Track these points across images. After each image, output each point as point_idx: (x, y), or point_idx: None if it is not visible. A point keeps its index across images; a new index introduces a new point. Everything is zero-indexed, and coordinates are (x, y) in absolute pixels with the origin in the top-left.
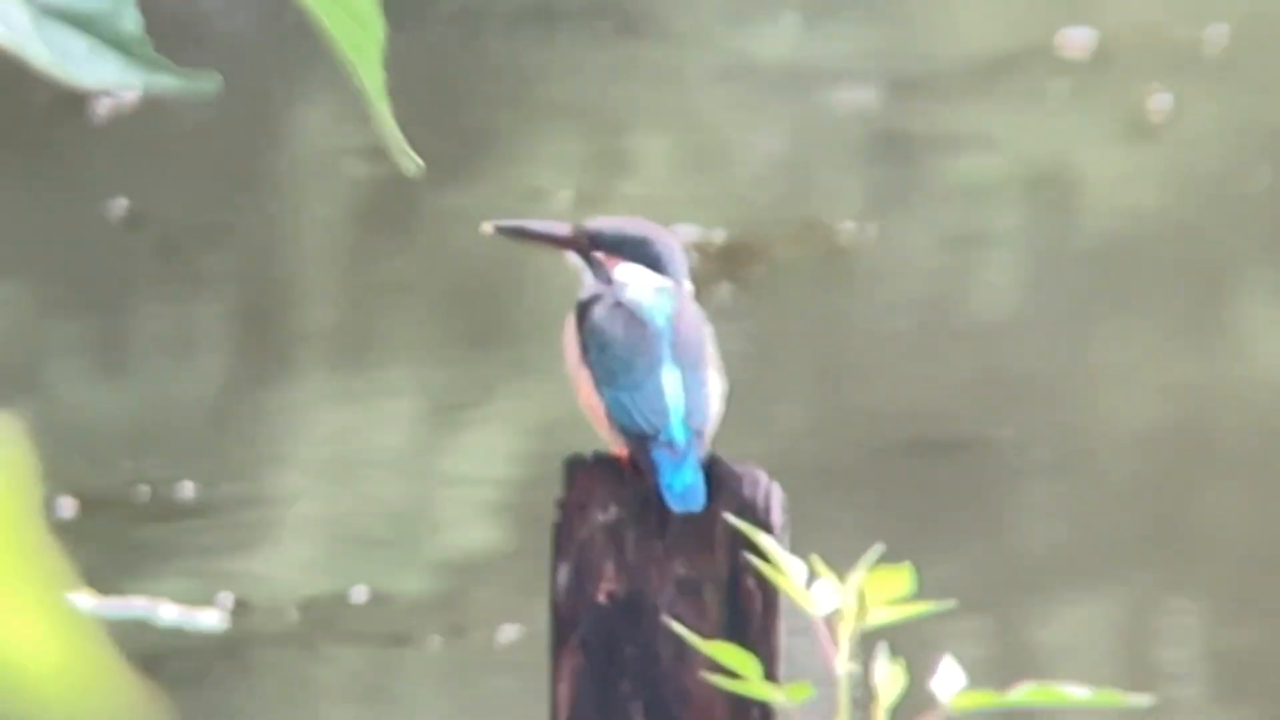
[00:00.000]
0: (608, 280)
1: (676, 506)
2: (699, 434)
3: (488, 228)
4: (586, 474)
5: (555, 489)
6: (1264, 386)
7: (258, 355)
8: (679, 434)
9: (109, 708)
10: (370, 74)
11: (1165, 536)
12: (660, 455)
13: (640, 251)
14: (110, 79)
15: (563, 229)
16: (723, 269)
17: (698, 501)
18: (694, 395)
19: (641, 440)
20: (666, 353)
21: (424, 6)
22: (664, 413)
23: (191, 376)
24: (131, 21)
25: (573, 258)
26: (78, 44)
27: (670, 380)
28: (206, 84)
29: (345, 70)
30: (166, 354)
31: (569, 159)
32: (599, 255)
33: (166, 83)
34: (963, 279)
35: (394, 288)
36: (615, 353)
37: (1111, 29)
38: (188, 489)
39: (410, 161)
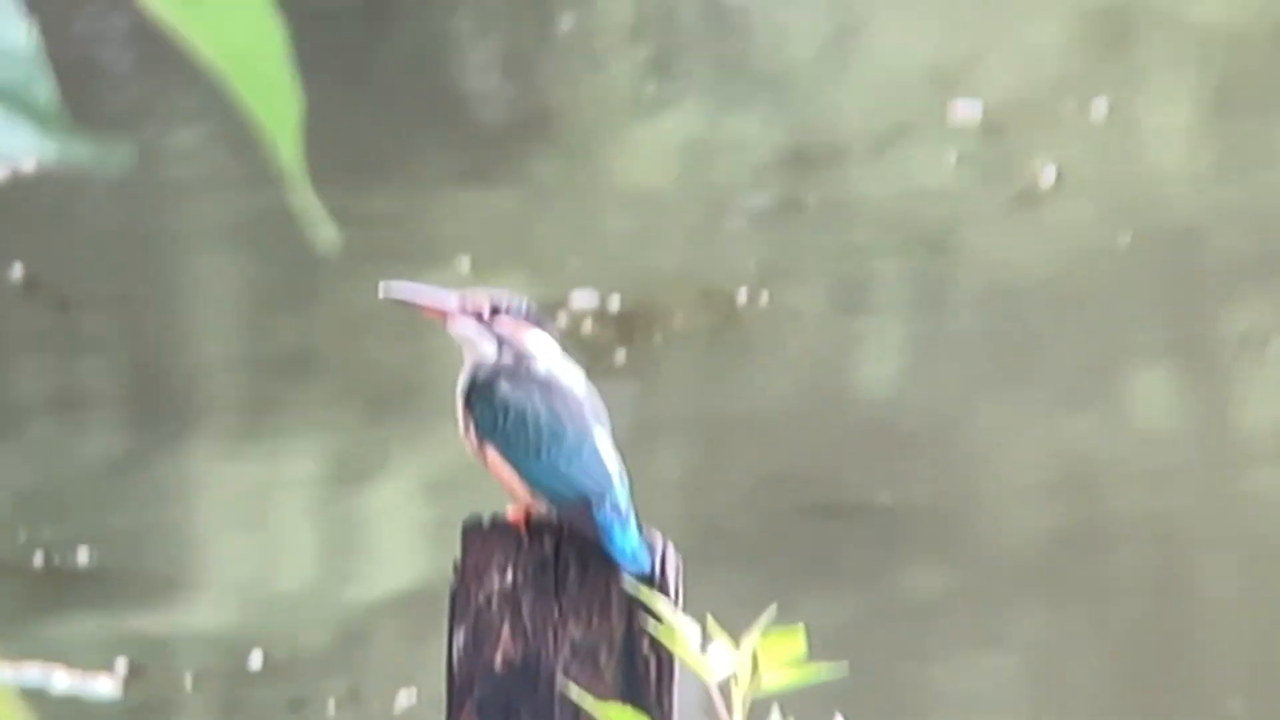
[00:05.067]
0: (516, 349)
1: (630, 568)
2: (631, 495)
3: (381, 289)
4: (483, 539)
5: (453, 553)
6: (1150, 447)
7: (154, 421)
8: (621, 497)
9: None
10: (287, 145)
11: (1057, 600)
12: (607, 519)
13: (540, 318)
14: (24, 149)
15: (452, 301)
16: (619, 335)
17: (647, 562)
18: (618, 459)
19: (583, 506)
20: (590, 419)
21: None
22: (607, 477)
23: (87, 442)
24: (45, 90)
25: (462, 328)
26: None
27: (603, 445)
28: (121, 154)
29: (255, 139)
30: (61, 419)
31: (466, 227)
32: (504, 325)
33: (81, 152)
34: (853, 344)
35: (291, 355)
36: (539, 424)
37: (999, 102)
38: (83, 554)
39: (327, 233)
